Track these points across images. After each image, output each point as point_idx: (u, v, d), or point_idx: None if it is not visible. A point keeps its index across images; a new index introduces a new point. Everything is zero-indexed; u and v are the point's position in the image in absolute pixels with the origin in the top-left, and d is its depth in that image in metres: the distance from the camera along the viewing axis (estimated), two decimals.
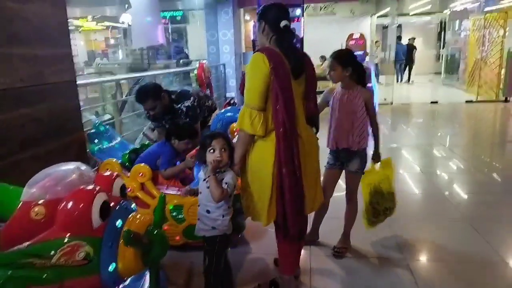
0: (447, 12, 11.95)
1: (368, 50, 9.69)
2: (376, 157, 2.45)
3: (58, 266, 1.15)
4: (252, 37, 9.10)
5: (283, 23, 1.83)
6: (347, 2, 12.47)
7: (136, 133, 4.12)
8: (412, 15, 13.73)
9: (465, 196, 3.56)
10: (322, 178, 2.30)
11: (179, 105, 2.90)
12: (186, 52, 10.46)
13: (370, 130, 2.37)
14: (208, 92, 5.73)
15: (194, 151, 2.51)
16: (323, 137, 2.27)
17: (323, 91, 2.47)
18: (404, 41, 13.22)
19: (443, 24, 14.82)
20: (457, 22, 11.58)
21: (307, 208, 1.95)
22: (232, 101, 4.45)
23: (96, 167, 2.75)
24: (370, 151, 2.45)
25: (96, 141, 2.72)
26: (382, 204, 2.50)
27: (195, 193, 1.97)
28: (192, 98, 2.95)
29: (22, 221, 1.21)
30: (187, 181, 2.59)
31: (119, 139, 2.94)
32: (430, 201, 3.47)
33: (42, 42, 2.06)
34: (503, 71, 8.76)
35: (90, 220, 1.19)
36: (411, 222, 2.99)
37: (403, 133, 6.51)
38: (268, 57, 1.75)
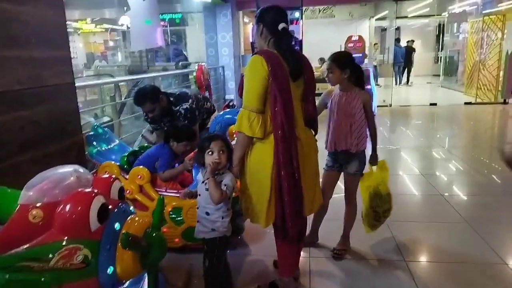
0: (445, 14, 11.98)
1: (366, 53, 9.70)
2: (374, 159, 2.45)
3: (56, 269, 1.15)
4: (251, 40, 9.11)
5: (281, 25, 1.84)
6: (345, 5, 12.52)
7: (135, 135, 4.12)
8: (410, 17, 13.76)
9: (465, 198, 3.57)
10: (321, 180, 2.31)
11: (178, 107, 2.90)
12: (185, 55, 10.45)
13: (368, 132, 2.38)
14: (207, 94, 5.73)
15: (192, 153, 2.50)
16: (321, 139, 2.27)
17: (322, 93, 2.48)
18: (403, 43, 13.25)
19: (441, 26, 14.87)
20: (456, 24, 11.62)
21: (306, 210, 1.95)
22: (231, 103, 4.46)
23: (95, 170, 2.75)
24: (368, 153, 2.45)
25: (94, 143, 2.72)
26: (382, 206, 2.50)
27: (193, 195, 1.97)
28: (190, 100, 2.95)
29: (20, 224, 1.20)
30: (186, 183, 2.59)
31: (117, 141, 2.93)
32: (429, 202, 3.47)
33: (40, 44, 2.06)
34: (501, 73, 8.78)
35: (88, 223, 1.18)
36: (411, 224, 2.99)
37: (402, 135, 6.52)
38: (267, 60, 1.75)
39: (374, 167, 2.48)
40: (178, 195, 2.34)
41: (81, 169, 1.39)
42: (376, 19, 13.45)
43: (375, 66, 11.53)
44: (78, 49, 15.50)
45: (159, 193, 2.40)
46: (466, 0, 9.86)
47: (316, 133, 2.06)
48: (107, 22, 14.47)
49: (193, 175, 2.47)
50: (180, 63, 9.08)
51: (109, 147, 2.80)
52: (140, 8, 4.08)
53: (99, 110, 5.04)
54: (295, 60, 1.84)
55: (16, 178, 1.42)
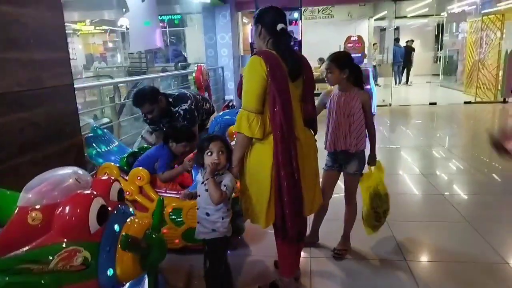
0: (444, 14, 12.00)
1: (366, 53, 9.71)
2: (372, 160, 2.44)
3: (56, 271, 1.15)
4: (250, 40, 9.12)
5: (279, 26, 1.84)
6: (344, 5, 12.53)
7: (135, 136, 4.11)
8: (409, 17, 13.78)
9: (465, 197, 3.56)
10: (321, 180, 2.30)
11: (177, 108, 2.89)
12: (185, 55, 10.46)
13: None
14: (206, 95, 5.73)
15: (192, 154, 2.50)
16: (321, 139, 2.27)
17: (321, 93, 2.47)
18: (402, 43, 13.26)
19: (440, 26, 14.89)
20: (455, 24, 11.63)
21: (306, 210, 1.95)
22: (230, 104, 4.45)
23: (94, 171, 2.74)
24: (368, 153, 2.45)
25: (94, 145, 2.71)
26: (382, 206, 2.50)
27: (193, 196, 1.96)
28: (189, 101, 2.94)
29: (19, 226, 1.20)
30: (186, 184, 2.58)
31: (117, 142, 2.93)
32: (429, 202, 3.47)
33: (39, 46, 2.06)
34: (501, 73, 8.79)
35: (87, 225, 1.18)
36: (411, 223, 2.99)
37: (402, 134, 6.52)
38: (265, 60, 1.75)
39: (373, 168, 2.48)
40: (178, 196, 2.34)
41: (80, 171, 1.39)
42: (375, 19, 13.46)
43: (374, 66, 11.54)
44: (77, 50, 15.51)
45: (159, 194, 2.40)
46: (465, 0, 9.87)
47: (315, 133, 2.06)
48: (106, 24, 14.49)
49: (193, 176, 2.46)
50: (179, 64, 9.09)
51: (108, 148, 2.79)
52: (139, 10, 4.08)
53: (99, 111, 5.04)
54: (294, 61, 1.84)
55: (16, 180, 1.42)
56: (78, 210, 1.18)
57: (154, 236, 1.37)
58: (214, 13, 8.13)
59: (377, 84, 11.27)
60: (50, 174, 1.32)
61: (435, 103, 9.05)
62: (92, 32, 16.23)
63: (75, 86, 2.44)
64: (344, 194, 2.50)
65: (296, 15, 7.38)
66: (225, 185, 1.78)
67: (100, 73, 11.22)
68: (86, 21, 14.31)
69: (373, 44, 13.14)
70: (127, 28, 10.10)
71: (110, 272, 1.22)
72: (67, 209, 1.18)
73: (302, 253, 2.26)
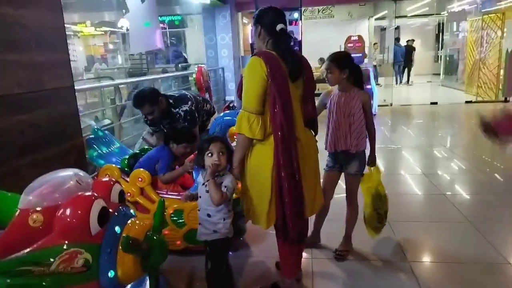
0: (444, 13, 11.99)
1: (366, 52, 9.70)
2: (372, 160, 2.44)
3: (57, 273, 1.15)
4: (250, 41, 9.13)
5: (279, 26, 1.84)
6: (345, 5, 12.52)
7: (136, 137, 4.12)
8: (410, 17, 13.77)
9: (467, 197, 3.55)
10: (321, 181, 2.30)
11: (177, 109, 2.89)
12: (185, 56, 10.47)
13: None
14: (207, 96, 5.73)
15: (192, 155, 2.50)
16: (321, 140, 2.26)
17: (321, 94, 2.47)
18: (403, 42, 13.25)
19: (441, 25, 14.87)
20: (455, 23, 11.62)
21: (307, 211, 1.94)
22: (231, 105, 4.44)
23: (95, 173, 2.74)
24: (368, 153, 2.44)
25: (95, 146, 2.71)
26: (382, 207, 2.50)
27: (195, 197, 1.96)
28: (190, 102, 2.94)
29: (20, 228, 1.20)
30: (187, 185, 2.58)
31: (118, 144, 2.93)
32: (431, 202, 3.46)
33: (39, 47, 2.06)
34: (501, 72, 8.77)
35: (88, 226, 1.18)
36: (413, 224, 2.98)
37: (404, 134, 6.51)
38: (265, 61, 1.75)
39: (373, 168, 2.48)
40: (179, 197, 2.34)
41: (81, 173, 1.39)
42: (376, 19, 13.45)
43: (375, 66, 11.53)
44: (78, 52, 15.52)
45: (160, 195, 2.40)
46: None
47: (316, 133, 2.05)
48: (107, 25, 14.51)
49: (194, 177, 2.46)
50: (180, 65, 9.09)
51: (109, 150, 2.80)
52: (139, 11, 4.09)
53: (100, 113, 5.04)
54: (294, 61, 1.84)
55: (16, 182, 1.42)
56: (79, 212, 1.18)
57: (155, 237, 1.37)
58: (214, 14, 8.13)
59: (378, 84, 11.26)
60: (51, 176, 1.33)
61: (436, 103, 9.03)
62: (93, 34, 16.25)
63: (75, 87, 2.44)
64: (345, 194, 2.50)
65: (296, 15, 7.38)
66: (225, 186, 1.77)
67: (101, 75, 11.24)
68: (86, 22, 14.33)
69: (374, 44, 13.13)
70: (127, 30, 10.10)
71: (111, 273, 1.23)
72: (68, 211, 1.18)
73: (304, 254, 2.26)
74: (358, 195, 2.48)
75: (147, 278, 1.49)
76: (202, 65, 6.29)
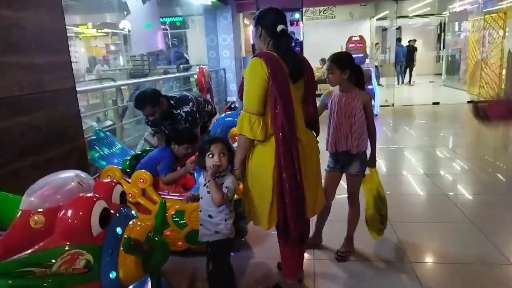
0: (446, 13, 11.97)
1: (368, 53, 9.70)
2: (373, 162, 2.43)
3: (58, 274, 1.15)
4: (251, 42, 9.13)
5: (279, 27, 1.84)
6: (346, 6, 12.52)
7: (137, 138, 4.12)
8: (411, 17, 13.75)
9: (469, 197, 3.54)
10: (323, 181, 2.29)
11: (178, 111, 2.89)
12: (186, 57, 10.47)
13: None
14: (208, 97, 5.74)
15: (194, 156, 2.50)
16: (322, 141, 2.26)
17: (322, 94, 2.47)
18: (404, 42, 13.24)
19: (442, 25, 14.85)
20: (457, 23, 11.60)
21: (308, 212, 1.94)
22: (232, 106, 4.44)
23: (97, 174, 2.75)
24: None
25: (96, 147, 2.72)
26: (383, 209, 2.50)
27: (196, 198, 1.96)
28: (191, 103, 2.94)
29: (21, 230, 1.20)
30: (188, 186, 2.58)
31: (119, 145, 2.93)
32: (433, 202, 3.45)
33: (40, 50, 2.06)
34: (504, 71, 8.75)
35: (89, 228, 1.18)
36: (415, 224, 2.97)
37: (405, 134, 6.49)
38: (266, 62, 1.75)
39: (372, 169, 2.47)
40: (181, 198, 2.34)
41: (83, 174, 1.39)
42: (377, 19, 13.44)
43: (376, 66, 11.52)
44: (80, 53, 15.56)
45: (162, 196, 2.40)
46: None
47: (317, 134, 2.05)
48: (108, 27, 14.54)
49: (195, 178, 2.46)
50: (181, 66, 9.10)
51: (111, 151, 2.80)
52: (141, 12, 4.10)
53: (102, 114, 5.05)
54: (294, 62, 1.84)
55: (17, 184, 1.43)
56: (81, 213, 1.18)
57: (156, 238, 1.37)
58: (215, 15, 8.15)
59: (380, 84, 11.25)
60: (52, 178, 1.33)
61: (438, 103, 9.01)
62: (95, 35, 16.29)
63: (77, 89, 2.45)
64: (346, 195, 2.49)
65: (297, 16, 7.39)
66: (226, 187, 1.77)
67: (102, 76, 11.26)
68: (88, 24, 14.37)
69: (375, 44, 13.12)
70: (129, 31, 10.13)
71: (112, 275, 1.23)
72: (69, 212, 1.19)
73: (306, 255, 2.26)
74: (360, 196, 2.47)
75: (149, 279, 1.49)
76: (203, 66, 6.30)
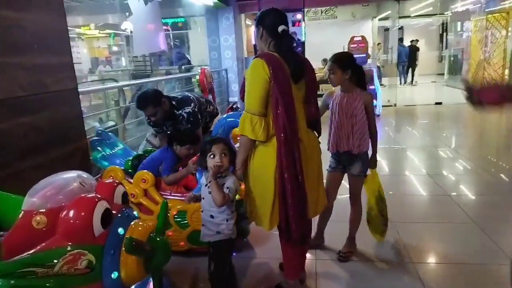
0: (448, 13, 11.94)
1: (370, 53, 9.68)
2: (373, 162, 2.43)
3: (60, 275, 1.15)
4: (253, 42, 9.13)
5: (280, 28, 1.84)
6: (348, 6, 12.51)
7: (139, 139, 4.13)
8: (413, 17, 13.72)
9: (472, 197, 3.53)
10: (324, 181, 2.29)
11: (180, 111, 2.90)
12: (188, 58, 10.49)
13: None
14: (210, 97, 5.74)
15: (196, 157, 2.50)
16: (324, 141, 2.26)
17: (324, 95, 2.47)
18: (406, 43, 13.22)
19: (444, 25, 14.81)
20: (459, 23, 11.57)
21: (310, 212, 1.94)
22: (235, 106, 4.44)
23: (99, 174, 2.75)
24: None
25: (99, 148, 2.72)
26: (384, 210, 2.50)
27: (198, 199, 1.97)
28: (192, 104, 2.95)
29: (23, 230, 1.21)
30: (190, 186, 2.58)
31: (121, 145, 2.94)
32: (436, 203, 3.44)
33: (42, 50, 2.07)
34: (506, 71, 8.72)
35: (91, 228, 1.18)
36: (417, 225, 2.96)
37: (408, 134, 6.47)
38: (268, 63, 1.75)
39: (373, 170, 2.47)
40: (183, 198, 2.34)
41: (85, 174, 1.39)
42: (379, 19, 13.42)
43: (378, 67, 11.50)
44: (82, 54, 15.63)
45: (164, 196, 2.40)
46: None
47: (319, 134, 2.05)
48: (110, 28, 14.59)
49: (197, 178, 2.46)
50: (183, 67, 9.12)
51: (113, 151, 2.81)
52: (143, 13, 4.10)
53: (104, 114, 5.07)
54: (296, 62, 1.84)
55: (19, 184, 1.43)
56: (83, 214, 1.19)
57: (158, 239, 1.37)
58: (217, 16, 8.16)
59: (382, 84, 11.22)
60: (54, 178, 1.33)
61: (440, 103, 8.98)
62: (97, 36, 16.36)
63: (79, 90, 2.46)
64: (348, 195, 2.49)
65: (299, 16, 7.38)
66: (227, 188, 1.78)
67: (105, 77, 11.30)
68: (90, 25, 14.42)
69: (377, 44, 13.09)
70: (131, 32, 10.16)
71: (114, 275, 1.23)
72: (71, 212, 1.19)
73: (308, 255, 2.25)
74: (362, 197, 2.47)
75: (151, 279, 1.49)
76: (205, 67, 6.30)
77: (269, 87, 1.76)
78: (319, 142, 2.03)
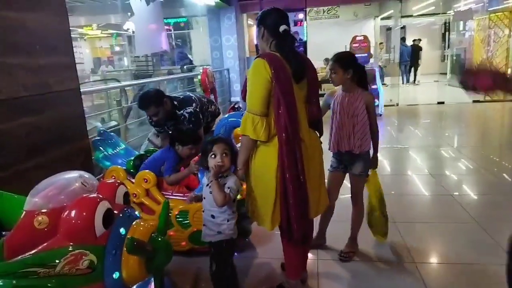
0: (451, 12, 11.89)
1: (372, 52, 9.65)
2: (374, 162, 2.42)
3: (62, 275, 1.15)
4: (255, 42, 9.13)
5: (282, 27, 1.83)
6: (350, 5, 12.48)
7: (141, 139, 4.14)
8: (415, 16, 13.68)
9: (474, 197, 3.51)
10: (326, 181, 2.29)
11: (182, 111, 2.90)
12: (190, 58, 10.49)
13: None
14: (212, 97, 5.75)
15: (197, 157, 2.50)
16: (325, 140, 2.26)
17: (325, 94, 2.46)
18: (409, 42, 13.17)
19: (447, 25, 14.76)
20: (461, 22, 11.53)
21: (311, 212, 1.94)
22: (236, 106, 4.44)
23: (102, 174, 2.76)
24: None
25: (101, 148, 2.73)
26: (385, 210, 2.49)
27: (199, 199, 1.97)
28: (194, 104, 2.95)
29: (25, 230, 1.21)
30: (192, 186, 2.59)
31: (123, 145, 2.94)
32: (438, 202, 3.43)
33: (44, 51, 2.08)
34: (509, 71, 8.68)
35: (93, 228, 1.19)
36: (419, 225, 2.95)
37: (410, 134, 6.45)
38: (269, 63, 1.75)
39: (374, 170, 2.46)
40: (184, 198, 2.34)
41: (86, 175, 1.40)
42: (381, 19, 13.38)
43: (380, 66, 11.48)
44: (85, 54, 15.66)
45: (166, 196, 2.41)
46: None
47: (321, 134, 2.05)
48: (112, 28, 14.61)
49: (199, 178, 2.47)
50: (185, 67, 9.12)
51: (115, 151, 2.81)
52: (144, 13, 4.10)
53: (106, 114, 5.08)
54: (297, 62, 1.84)
55: (21, 184, 1.44)
56: (84, 214, 1.19)
57: (159, 239, 1.37)
58: (219, 16, 8.16)
59: (384, 84, 11.20)
60: (56, 178, 1.34)
61: (443, 102, 8.95)
62: (99, 36, 16.39)
63: (82, 90, 2.46)
64: (350, 195, 2.49)
65: (301, 15, 7.38)
66: (229, 187, 1.78)
67: (107, 77, 11.32)
68: (92, 25, 14.45)
69: (379, 44, 13.06)
70: (133, 32, 10.17)
71: (116, 275, 1.23)
72: (73, 212, 1.19)
73: (309, 255, 2.25)
74: (364, 198, 2.46)
75: (152, 279, 1.49)
76: (207, 67, 6.31)
77: (270, 87, 1.76)
78: (321, 142, 2.03)
